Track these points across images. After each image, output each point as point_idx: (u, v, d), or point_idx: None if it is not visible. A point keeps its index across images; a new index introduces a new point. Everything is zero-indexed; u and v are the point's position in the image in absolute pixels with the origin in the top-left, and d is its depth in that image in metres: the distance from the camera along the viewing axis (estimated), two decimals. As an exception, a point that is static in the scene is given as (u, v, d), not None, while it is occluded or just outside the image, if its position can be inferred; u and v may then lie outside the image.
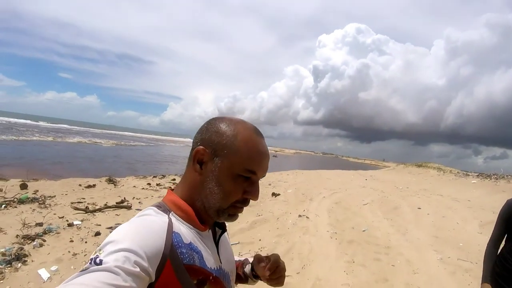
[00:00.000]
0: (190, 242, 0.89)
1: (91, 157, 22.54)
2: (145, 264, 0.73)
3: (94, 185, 10.60)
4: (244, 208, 0.97)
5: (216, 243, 1.03)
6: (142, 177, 14.02)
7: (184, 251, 0.86)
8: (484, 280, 2.29)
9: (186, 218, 0.92)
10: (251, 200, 0.96)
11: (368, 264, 5.75)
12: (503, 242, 2.37)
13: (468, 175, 27.21)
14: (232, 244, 6.17)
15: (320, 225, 8.10)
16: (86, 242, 5.74)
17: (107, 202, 8.47)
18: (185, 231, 0.90)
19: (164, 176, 15.06)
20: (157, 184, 12.32)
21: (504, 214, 2.30)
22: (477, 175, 26.20)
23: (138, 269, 0.71)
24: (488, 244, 2.37)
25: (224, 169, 0.90)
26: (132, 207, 8.33)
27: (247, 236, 6.95)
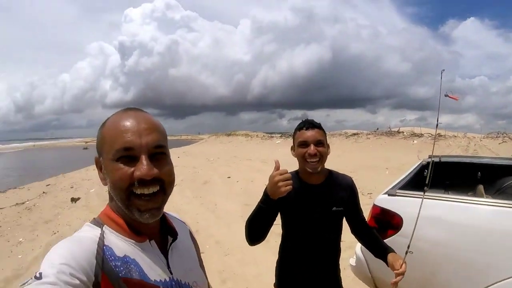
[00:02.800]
0: (125, 255, 0.86)
1: None
2: (82, 277, 0.74)
3: None
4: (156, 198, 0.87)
5: (166, 253, 0.96)
6: None
7: (119, 264, 0.84)
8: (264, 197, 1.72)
9: (120, 230, 0.90)
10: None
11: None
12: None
13: (273, 137, 29.47)
14: (23, 284, 4.38)
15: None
16: None
17: None
18: (119, 244, 0.88)
19: None
20: None
21: None
22: (280, 136, 28.50)
23: (76, 281, 0.72)
24: None
25: (105, 162, 0.88)
26: None
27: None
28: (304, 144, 1.78)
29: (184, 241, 1.07)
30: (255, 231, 1.81)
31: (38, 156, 53.11)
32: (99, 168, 0.92)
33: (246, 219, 5.88)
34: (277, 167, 1.57)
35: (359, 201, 2.00)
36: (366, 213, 2.15)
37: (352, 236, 2.05)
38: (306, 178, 1.88)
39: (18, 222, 8.30)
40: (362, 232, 1.99)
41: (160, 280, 0.89)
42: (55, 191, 12.66)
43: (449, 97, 2.56)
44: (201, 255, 1.21)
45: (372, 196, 7.21)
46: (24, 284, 0.70)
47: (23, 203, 10.81)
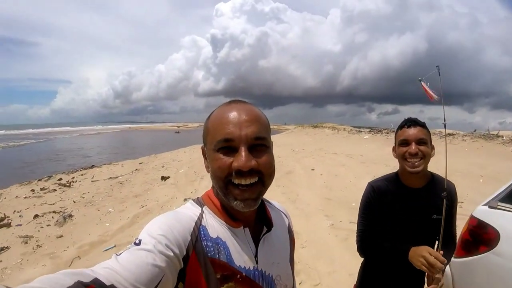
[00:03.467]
0: (217, 236, 0.92)
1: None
2: (175, 249, 0.81)
3: (-28, 205, 8.87)
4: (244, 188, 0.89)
5: (257, 242, 0.99)
6: (26, 183, 11.90)
7: (210, 244, 0.89)
8: (405, 251, 1.65)
9: (217, 213, 0.96)
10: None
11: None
12: None
13: (361, 131, 28.59)
14: (107, 249, 4.81)
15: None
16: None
17: (-14, 225, 6.90)
18: (215, 225, 0.94)
19: (50, 177, 13.09)
20: (41, 189, 10.53)
21: (368, 200, 1.84)
22: (369, 131, 27.55)
23: (170, 253, 0.79)
24: (358, 241, 1.89)
25: (208, 152, 0.94)
26: (12, 223, 6.96)
27: (126, 235, 5.93)
28: (405, 143, 1.72)
29: (279, 233, 1.08)
30: (375, 256, 1.84)
31: (133, 137, 57.52)
32: (204, 156, 0.98)
33: (328, 214, 5.77)
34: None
35: (456, 212, 1.85)
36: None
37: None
38: (406, 181, 1.79)
39: (110, 194, 9.17)
40: (445, 244, 1.81)
41: (244, 267, 0.92)
42: (146, 169, 13.69)
43: (423, 87, 2.06)
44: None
45: (463, 205, 6.60)
46: (125, 250, 0.79)
47: (116, 177, 11.88)
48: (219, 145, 0.89)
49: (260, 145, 0.91)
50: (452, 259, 2.27)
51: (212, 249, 0.89)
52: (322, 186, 8.76)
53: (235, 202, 0.89)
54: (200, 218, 0.93)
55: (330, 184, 8.98)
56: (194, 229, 0.89)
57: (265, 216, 1.04)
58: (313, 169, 11.21)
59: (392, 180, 1.83)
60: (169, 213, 0.92)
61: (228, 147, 0.89)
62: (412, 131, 1.70)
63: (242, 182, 0.88)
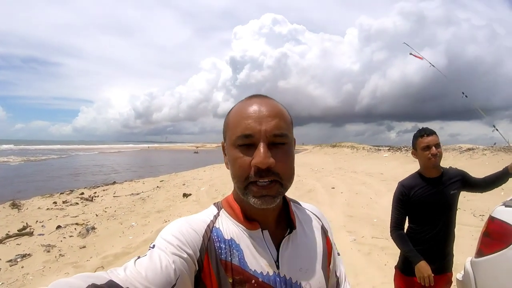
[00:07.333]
0: (231, 238, 0.89)
1: (-4, 179, 19.53)
2: (188, 250, 0.82)
3: (-5, 213, 9.43)
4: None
5: (278, 245, 0.93)
6: (48, 195, 12.37)
7: (223, 246, 0.88)
8: (417, 259, 2.34)
9: (233, 215, 0.94)
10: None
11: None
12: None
13: (380, 149, 28.44)
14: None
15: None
16: (-15, 283, 4.77)
17: (8, 231, 7.29)
18: (230, 227, 0.92)
19: (72, 191, 13.50)
20: (63, 202, 10.95)
21: (399, 196, 2.46)
22: (388, 149, 27.38)
23: (183, 254, 0.80)
24: (393, 227, 2.51)
25: (228, 148, 0.90)
26: (34, 232, 7.30)
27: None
28: (427, 147, 2.34)
29: (309, 237, 1.01)
30: (398, 245, 2.49)
31: (153, 157, 57.99)
32: (224, 153, 0.95)
33: (350, 230, 5.93)
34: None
35: (466, 172, 2.54)
36: (477, 236, 2.46)
37: (463, 257, 2.47)
38: (428, 174, 2.44)
39: (132, 209, 9.42)
40: (483, 183, 2.51)
41: (261, 272, 0.88)
42: (168, 187, 13.96)
43: (413, 55, 3.14)
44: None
45: (484, 218, 6.60)
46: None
47: (138, 194, 12.18)
48: (238, 141, 0.85)
49: (280, 143, 0.85)
50: (472, 258, 2.50)
51: (224, 251, 0.87)
52: (343, 204, 8.87)
53: (253, 199, 0.84)
54: (214, 220, 0.92)
55: (351, 202, 9.09)
56: (206, 231, 0.88)
57: (288, 217, 0.98)
58: (333, 188, 11.31)
59: (416, 176, 2.49)
60: (181, 218, 0.91)
61: (248, 144, 0.84)
62: (431, 138, 2.34)
63: (261, 179, 0.82)
